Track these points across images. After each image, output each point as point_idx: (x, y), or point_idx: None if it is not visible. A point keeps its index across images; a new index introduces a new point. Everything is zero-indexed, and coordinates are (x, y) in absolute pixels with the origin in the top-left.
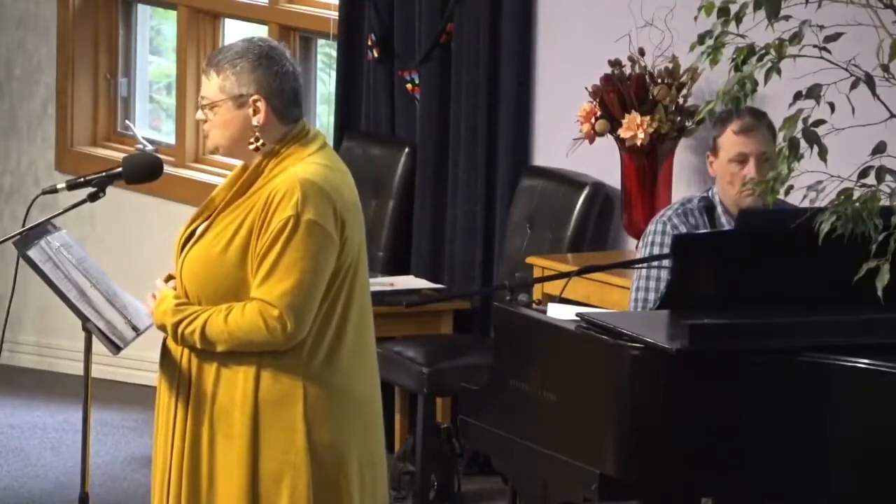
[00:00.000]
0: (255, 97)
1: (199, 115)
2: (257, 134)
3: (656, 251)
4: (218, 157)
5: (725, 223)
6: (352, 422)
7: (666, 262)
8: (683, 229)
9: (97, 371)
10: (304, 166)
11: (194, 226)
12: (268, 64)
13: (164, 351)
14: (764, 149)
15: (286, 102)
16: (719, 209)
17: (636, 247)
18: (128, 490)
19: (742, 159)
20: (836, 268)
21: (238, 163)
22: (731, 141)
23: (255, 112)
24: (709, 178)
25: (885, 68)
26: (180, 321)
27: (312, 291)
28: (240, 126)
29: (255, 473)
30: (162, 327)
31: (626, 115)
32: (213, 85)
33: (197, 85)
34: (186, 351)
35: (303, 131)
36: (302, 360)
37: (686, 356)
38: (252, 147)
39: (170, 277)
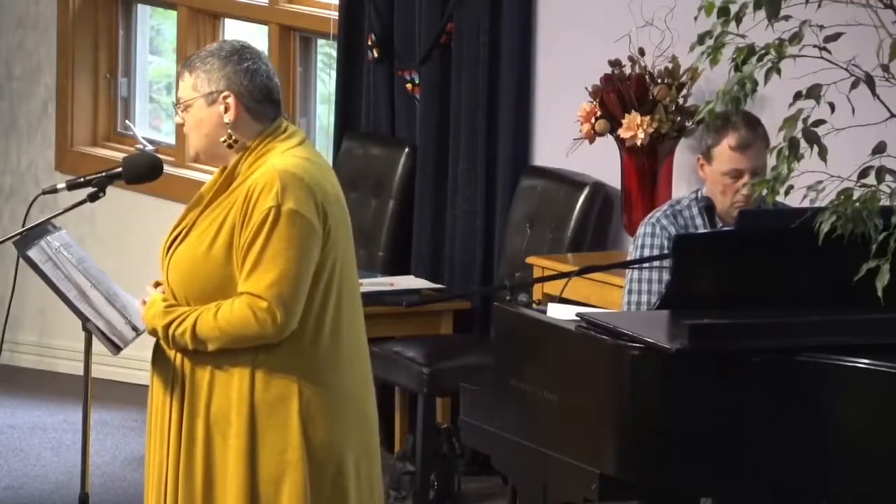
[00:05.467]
0: (225, 94)
1: (177, 118)
2: (230, 131)
3: (646, 253)
4: None
5: (718, 225)
6: (346, 419)
7: (662, 264)
8: (673, 231)
9: (97, 371)
10: (283, 158)
11: (178, 230)
12: (238, 60)
13: (157, 354)
14: (759, 164)
15: (258, 99)
16: (707, 211)
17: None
18: (128, 490)
19: (736, 175)
20: (836, 268)
21: None
22: (726, 155)
23: (226, 109)
24: None
25: (885, 68)
26: (170, 323)
27: (300, 280)
28: (213, 124)
29: (253, 474)
30: (153, 331)
31: (626, 115)
32: (186, 85)
33: None
34: (179, 355)
35: (279, 128)
36: (299, 358)
37: (686, 356)
38: (225, 144)
39: (157, 284)
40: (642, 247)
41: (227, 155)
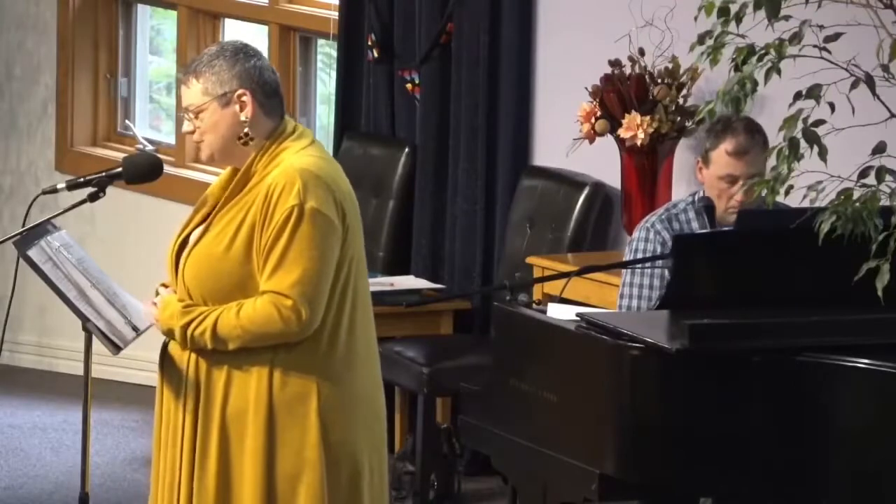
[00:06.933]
0: (240, 92)
1: (187, 126)
2: (247, 129)
3: (639, 257)
4: None
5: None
6: (361, 418)
7: (654, 270)
8: (667, 235)
9: (97, 371)
10: (300, 158)
11: (188, 230)
12: (245, 58)
13: (166, 357)
14: (755, 171)
15: (268, 94)
16: (704, 214)
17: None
18: (128, 490)
19: (732, 180)
20: (836, 268)
21: None
22: (723, 160)
23: (242, 107)
24: None
25: (885, 68)
26: (189, 323)
27: (322, 278)
28: (229, 125)
29: (270, 474)
30: (168, 332)
31: (626, 115)
32: (194, 91)
33: None
34: (193, 356)
35: (290, 127)
36: (318, 356)
37: (686, 356)
38: (242, 142)
39: (164, 285)
40: (636, 251)
41: (244, 154)
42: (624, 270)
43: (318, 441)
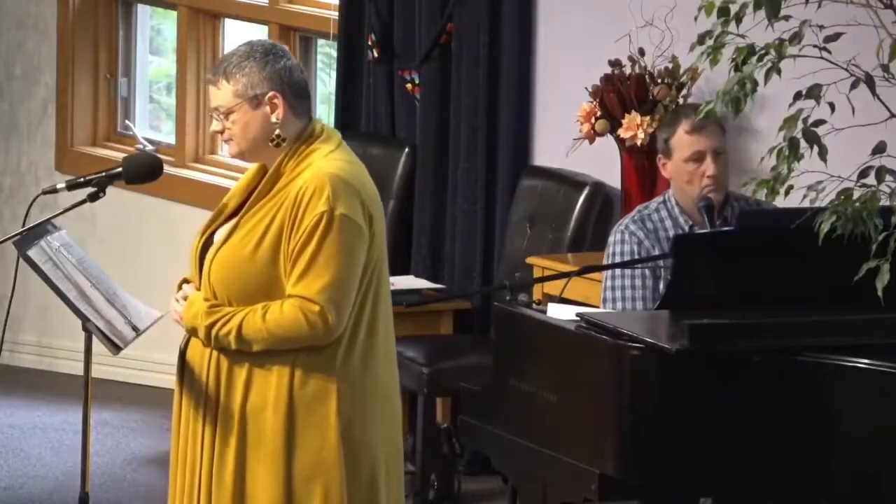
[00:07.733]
0: (271, 94)
1: (215, 125)
2: (278, 131)
3: (617, 261)
4: (218, 157)
5: (683, 224)
6: (379, 419)
7: (634, 272)
8: (641, 235)
9: (97, 371)
10: (328, 162)
11: (211, 229)
12: (274, 60)
13: (185, 359)
14: (717, 144)
15: (298, 95)
16: (676, 210)
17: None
18: (128, 490)
19: (698, 157)
20: (836, 268)
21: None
22: (684, 140)
23: (273, 109)
24: None
25: (885, 68)
26: (214, 323)
27: (349, 284)
28: (260, 126)
29: (288, 473)
30: (192, 330)
31: (626, 115)
32: (225, 92)
33: (197, 85)
34: (215, 353)
35: (317, 129)
36: (338, 357)
37: (686, 356)
38: (273, 144)
39: (184, 281)
40: (612, 255)
41: (273, 153)
42: (604, 275)
43: (337, 442)
